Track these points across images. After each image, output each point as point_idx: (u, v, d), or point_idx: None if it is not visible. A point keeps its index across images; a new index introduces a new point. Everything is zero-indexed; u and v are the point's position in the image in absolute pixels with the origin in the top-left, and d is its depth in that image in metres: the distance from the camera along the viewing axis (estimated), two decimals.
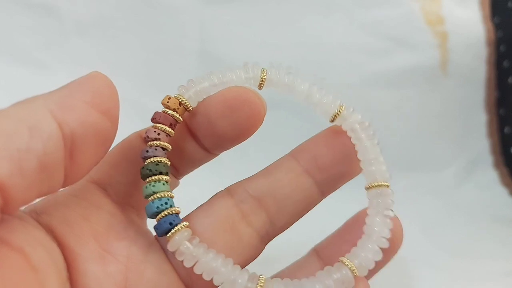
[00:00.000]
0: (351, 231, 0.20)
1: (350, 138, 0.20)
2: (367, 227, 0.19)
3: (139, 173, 0.18)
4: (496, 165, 0.47)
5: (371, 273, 0.19)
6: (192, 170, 0.21)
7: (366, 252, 0.18)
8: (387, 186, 0.19)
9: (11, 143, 0.13)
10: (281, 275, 0.21)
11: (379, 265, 0.19)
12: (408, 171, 0.45)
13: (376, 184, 0.19)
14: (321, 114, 0.20)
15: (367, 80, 0.45)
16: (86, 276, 0.16)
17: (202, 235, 0.18)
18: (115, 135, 0.17)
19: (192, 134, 0.19)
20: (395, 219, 0.19)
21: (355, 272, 0.18)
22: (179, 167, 0.20)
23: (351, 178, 0.20)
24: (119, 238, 0.18)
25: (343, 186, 0.21)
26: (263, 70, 0.19)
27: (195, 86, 0.19)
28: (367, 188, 0.19)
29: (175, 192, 0.19)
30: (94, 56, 0.44)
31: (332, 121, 0.20)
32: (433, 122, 0.47)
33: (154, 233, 0.20)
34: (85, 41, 0.44)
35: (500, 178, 0.46)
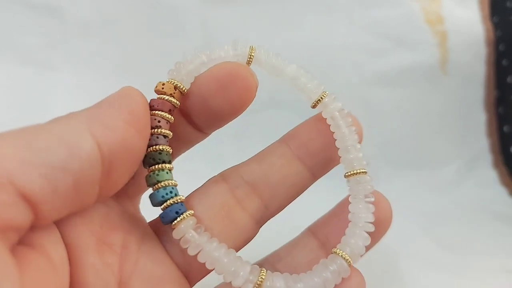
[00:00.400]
0: (346, 210, 0.20)
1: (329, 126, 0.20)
2: (352, 215, 0.19)
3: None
4: (496, 164, 0.48)
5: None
6: (184, 151, 0.21)
7: (355, 239, 0.18)
8: (365, 172, 0.19)
9: (49, 160, 0.14)
10: (278, 254, 0.21)
11: (371, 244, 0.19)
12: (408, 169, 0.46)
13: (354, 171, 0.19)
14: (305, 99, 0.20)
15: (368, 80, 0.45)
16: (84, 267, 0.17)
17: (199, 221, 0.19)
18: (145, 151, 0.18)
19: (184, 115, 0.19)
20: (382, 198, 0.20)
21: (349, 261, 0.18)
22: (172, 149, 0.20)
23: (339, 163, 0.21)
24: (114, 228, 0.18)
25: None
26: (251, 48, 0.19)
27: (185, 67, 0.18)
28: (347, 176, 0.19)
29: None
30: (96, 56, 0.44)
31: (313, 107, 0.20)
32: (433, 121, 0.48)
33: (148, 221, 0.20)
34: (88, 41, 0.44)
35: (499, 177, 0.47)
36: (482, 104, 0.49)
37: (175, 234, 0.18)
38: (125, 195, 0.20)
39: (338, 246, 0.19)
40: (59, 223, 0.17)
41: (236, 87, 0.18)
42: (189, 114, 0.19)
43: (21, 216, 0.13)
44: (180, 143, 0.20)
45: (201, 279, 0.20)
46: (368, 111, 0.44)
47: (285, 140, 0.21)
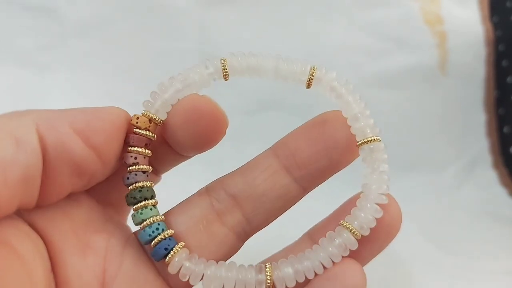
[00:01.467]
0: (345, 215, 0.19)
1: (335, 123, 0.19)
2: (365, 186, 0.18)
3: (116, 172, 0.18)
4: (495, 165, 0.47)
5: (369, 257, 0.19)
6: (170, 169, 0.21)
7: (365, 212, 0.18)
8: (379, 140, 0.18)
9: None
10: (274, 258, 0.20)
11: (377, 251, 0.19)
12: (407, 171, 0.46)
13: (367, 139, 0.18)
14: (295, 84, 0.19)
15: (367, 81, 0.45)
16: (66, 268, 0.17)
17: (175, 233, 0.19)
18: (103, 174, 0.18)
19: (164, 141, 0.19)
20: (391, 200, 0.18)
21: (356, 234, 0.17)
22: (157, 167, 0.20)
23: (333, 174, 0.20)
24: (98, 231, 0.18)
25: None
26: (222, 60, 0.18)
27: (160, 97, 0.18)
28: (359, 145, 0.18)
29: (163, 187, 0.19)
30: (93, 58, 0.44)
31: (308, 87, 0.19)
32: (433, 122, 0.47)
33: (132, 228, 0.20)
34: (85, 43, 0.44)
35: (499, 178, 0.47)
36: (482, 105, 0.49)
37: (171, 270, 0.18)
38: (108, 203, 0.20)
39: (346, 218, 0.18)
40: (43, 225, 0.17)
41: (202, 122, 0.18)
42: (166, 140, 0.19)
43: None
44: (162, 163, 0.20)
45: None
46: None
47: (274, 149, 0.20)
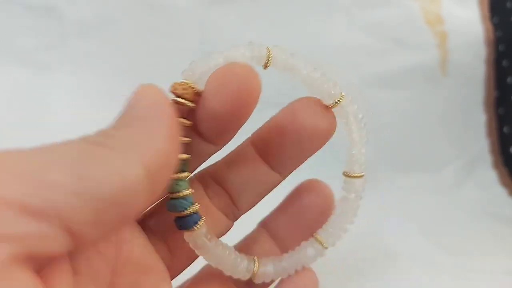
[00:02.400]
0: (293, 204, 0.22)
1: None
2: (339, 207, 0.21)
3: None
4: (495, 165, 0.47)
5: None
6: (199, 165, 0.21)
7: (335, 228, 0.20)
8: (361, 176, 0.20)
9: (101, 193, 0.13)
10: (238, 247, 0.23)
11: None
12: (407, 171, 0.46)
13: (352, 175, 0.20)
14: (321, 99, 0.20)
15: (367, 80, 0.45)
16: (75, 255, 0.17)
17: None
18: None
19: (194, 128, 0.19)
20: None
21: (325, 246, 0.20)
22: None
23: (306, 159, 0.21)
24: None
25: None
26: (268, 49, 0.19)
27: (200, 67, 0.18)
28: (344, 175, 0.20)
29: None
30: (95, 57, 0.44)
31: (330, 108, 0.20)
32: (433, 122, 0.47)
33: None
34: (86, 43, 0.44)
35: (499, 178, 0.47)
36: (482, 105, 0.49)
37: (188, 239, 0.19)
38: None
39: (319, 230, 0.21)
40: None
41: (233, 86, 0.17)
42: (196, 122, 0.18)
43: (60, 247, 0.13)
44: (192, 156, 0.20)
45: (177, 275, 0.21)
46: (366, 112, 0.44)
47: (251, 138, 0.21)
